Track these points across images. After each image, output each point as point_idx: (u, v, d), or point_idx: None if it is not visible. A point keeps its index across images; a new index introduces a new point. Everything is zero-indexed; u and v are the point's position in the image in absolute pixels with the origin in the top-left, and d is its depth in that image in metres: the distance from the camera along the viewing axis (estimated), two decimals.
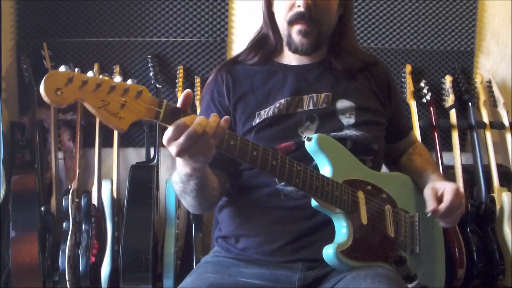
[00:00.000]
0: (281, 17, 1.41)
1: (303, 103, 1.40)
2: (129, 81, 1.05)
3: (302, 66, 1.46)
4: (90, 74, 1.01)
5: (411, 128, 1.67)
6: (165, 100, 1.07)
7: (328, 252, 1.24)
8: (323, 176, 1.25)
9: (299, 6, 1.36)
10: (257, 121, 1.38)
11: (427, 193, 1.40)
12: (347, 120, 1.39)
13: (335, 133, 1.36)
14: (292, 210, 1.34)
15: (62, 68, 0.99)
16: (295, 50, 1.41)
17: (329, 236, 1.28)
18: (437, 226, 1.54)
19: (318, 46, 1.42)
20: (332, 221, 1.29)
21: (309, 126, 1.37)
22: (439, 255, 1.54)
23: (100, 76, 1.02)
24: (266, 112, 1.38)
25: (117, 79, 1.04)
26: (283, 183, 1.33)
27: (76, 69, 1.02)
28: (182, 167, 1.19)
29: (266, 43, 1.48)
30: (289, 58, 1.47)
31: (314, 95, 1.41)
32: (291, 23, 1.39)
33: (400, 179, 1.50)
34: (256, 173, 1.37)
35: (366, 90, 1.46)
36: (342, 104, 1.41)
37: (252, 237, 1.37)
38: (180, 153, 1.07)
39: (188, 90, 1.09)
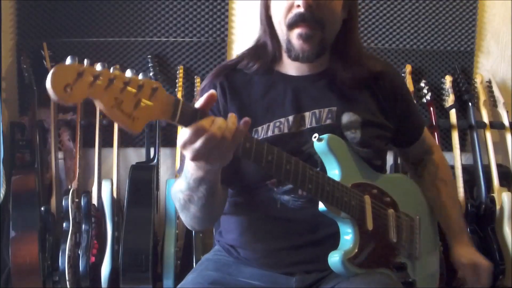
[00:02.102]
0: (280, 21, 1.29)
1: (305, 121, 1.31)
2: (140, 76, 0.95)
3: (303, 78, 1.36)
4: (99, 67, 0.91)
5: (422, 131, 1.57)
6: (181, 99, 1.00)
7: (335, 259, 1.22)
8: (333, 181, 1.22)
9: (298, 6, 1.24)
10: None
11: (465, 265, 1.48)
12: (352, 136, 1.32)
13: None
14: (288, 223, 1.31)
15: (68, 60, 0.88)
16: (295, 58, 1.30)
17: (327, 251, 1.25)
18: (433, 230, 1.53)
19: (320, 52, 1.30)
20: (332, 234, 1.28)
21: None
22: (435, 259, 1.53)
23: (111, 70, 0.91)
24: (264, 130, 1.31)
25: (128, 73, 0.93)
26: (281, 191, 1.30)
27: (86, 61, 0.90)
28: (193, 171, 1.11)
29: (265, 51, 1.36)
30: (289, 68, 1.37)
31: (317, 111, 1.32)
32: (290, 26, 1.27)
33: (401, 181, 1.49)
34: (254, 181, 1.32)
35: (371, 103, 1.38)
36: (348, 117, 1.32)
37: (249, 250, 1.36)
38: (196, 158, 1.02)
39: (212, 91, 1.02)
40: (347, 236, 1.26)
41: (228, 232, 1.40)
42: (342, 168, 1.27)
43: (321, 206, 1.23)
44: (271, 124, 1.31)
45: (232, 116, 1.03)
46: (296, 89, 1.35)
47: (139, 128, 0.93)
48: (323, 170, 1.28)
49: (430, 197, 1.54)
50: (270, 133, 1.30)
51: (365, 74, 1.37)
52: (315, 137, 1.25)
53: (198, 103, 1.02)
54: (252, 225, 1.35)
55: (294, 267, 1.32)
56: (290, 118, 1.31)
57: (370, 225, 1.27)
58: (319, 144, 1.25)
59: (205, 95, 1.02)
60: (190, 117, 0.99)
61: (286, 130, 1.30)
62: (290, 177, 1.14)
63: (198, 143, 0.99)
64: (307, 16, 1.24)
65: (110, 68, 0.93)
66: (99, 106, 0.89)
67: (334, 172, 1.27)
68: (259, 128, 1.31)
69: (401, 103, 1.43)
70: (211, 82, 1.37)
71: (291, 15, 1.26)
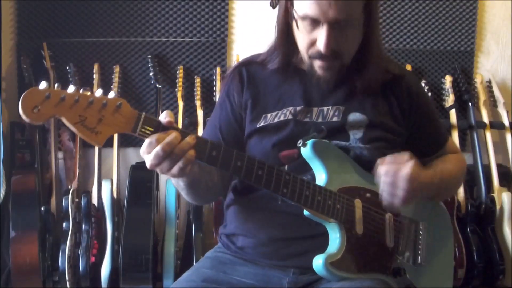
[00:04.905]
0: (302, 48, 1.32)
1: (312, 115, 1.35)
2: (111, 94, 1.06)
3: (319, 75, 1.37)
4: (70, 89, 1.03)
5: (443, 143, 1.51)
6: (143, 113, 1.09)
7: (318, 263, 1.21)
8: (314, 185, 1.23)
9: (319, 45, 1.26)
10: (262, 123, 1.35)
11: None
12: (355, 133, 1.33)
13: (337, 142, 1.32)
14: (288, 216, 1.32)
15: (42, 85, 1.02)
16: (317, 79, 1.34)
17: (324, 246, 1.25)
18: (446, 237, 1.50)
19: (340, 74, 1.34)
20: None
21: (316, 137, 1.31)
22: (446, 267, 1.48)
23: (81, 91, 1.04)
24: (273, 117, 1.35)
25: (98, 92, 1.05)
26: None
27: (56, 84, 1.06)
28: None
29: (276, 58, 1.40)
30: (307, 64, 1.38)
31: (325, 108, 1.35)
32: (311, 57, 1.31)
33: None
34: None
35: (382, 105, 1.37)
36: (354, 117, 1.34)
37: (249, 238, 1.38)
38: (151, 167, 1.11)
39: (169, 113, 1.12)
40: (334, 240, 1.24)
41: (232, 222, 1.43)
42: (328, 172, 1.26)
43: (305, 211, 1.23)
44: (280, 112, 1.35)
45: (190, 137, 1.11)
46: (308, 84, 1.38)
47: (101, 142, 1.06)
48: None
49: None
50: (276, 119, 1.34)
51: (379, 79, 1.38)
52: (299, 143, 1.26)
53: (162, 117, 1.11)
54: (255, 215, 1.38)
55: (290, 260, 1.32)
56: (297, 108, 1.35)
57: (359, 229, 1.26)
58: (304, 149, 1.26)
59: (165, 112, 1.11)
60: (152, 130, 1.09)
61: (290, 117, 1.34)
62: (262, 182, 1.18)
63: (151, 154, 1.09)
64: (327, 55, 1.27)
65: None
66: (65, 122, 1.03)
67: (321, 176, 1.27)
68: (268, 115, 1.36)
69: (417, 111, 1.42)
70: (233, 71, 1.44)
71: (313, 50, 1.30)
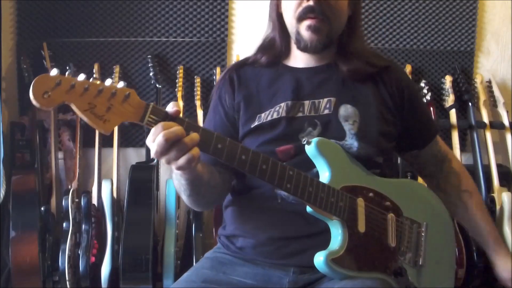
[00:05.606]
0: (290, 15, 1.38)
1: (304, 108, 1.36)
2: (120, 84, 1.08)
3: (308, 69, 1.43)
4: (81, 77, 1.05)
5: (435, 133, 1.56)
6: (152, 104, 1.10)
7: (319, 259, 1.21)
8: (318, 182, 1.23)
9: (308, 0, 1.34)
10: (256, 123, 1.36)
11: (507, 280, 1.50)
12: (350, 127, 1.34)
13: (335, 141, 1.33)
14: (288, 214, 1.32)
15: (53, 72, 1.03)
16: (304, 48, 1.38)
17: (324, 244, 1.25)
18: (448, 239, 1.50)
19: (327, 44, 1.38)
20: (329, 229, 1.27)
21: (311, 132, 1.34)
22: (447, 269, 1.48)
23: (91, 80, 1.06)
24: (266, 115, 1.37)
25: (108, 82, 1.07)
26: None
27: (67, 73, 1.05)
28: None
29: (273, 46, 1.46)
30: (296, 60, 1.44)
31: (316, 101, 1.37)
32: (300, 19, 1.35)
33: (409, 187, 1.45)
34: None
35: (373, 97, 1.40)
36: (346, 109, 1.36)
37: (248, 238, 1.38)
38: (156, 155, 1.09)
39: (176, 104, 1.12)
40: (336, 237, 1.25)
41: (231, 223, 1.43)
42: (332, 170, 1.27)
43: (308, 207, 1.23)
44: (272, 109, 1.37)
45: (194, 134, 1.10)
46: (299, 78, 1.41)
47: (109, 129, 1.07)
48: None
49: (456, 212, 1.57)
50: (269, 117, 1.36)
51: (367, 68, 1.41)
52: (304, 140, 1.27)
53: (169, 108, 1.11)
54: (254, 216, 1.39)
55: (289, 259, 1.32)
56: (289, 103, 1.37)
57: (362, 228, 1.27)
58: (309, 147, 1.26)
59: (172, 103, 1.12)
60: (159, 120, 1.09)
61: (284, 114, 1.35)
62: (266, 176, 1.18)
63: (158, 139, 1.07)
64: (315, 9, 1.33)
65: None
66: (74, 109, 1.05)
67: (324, 175, 1.27)
68: (262, 114, 1.37)
69: (408, 100, 1.45)
70: (225, 75, 1.48)
71: (300, 8, 1.35)
